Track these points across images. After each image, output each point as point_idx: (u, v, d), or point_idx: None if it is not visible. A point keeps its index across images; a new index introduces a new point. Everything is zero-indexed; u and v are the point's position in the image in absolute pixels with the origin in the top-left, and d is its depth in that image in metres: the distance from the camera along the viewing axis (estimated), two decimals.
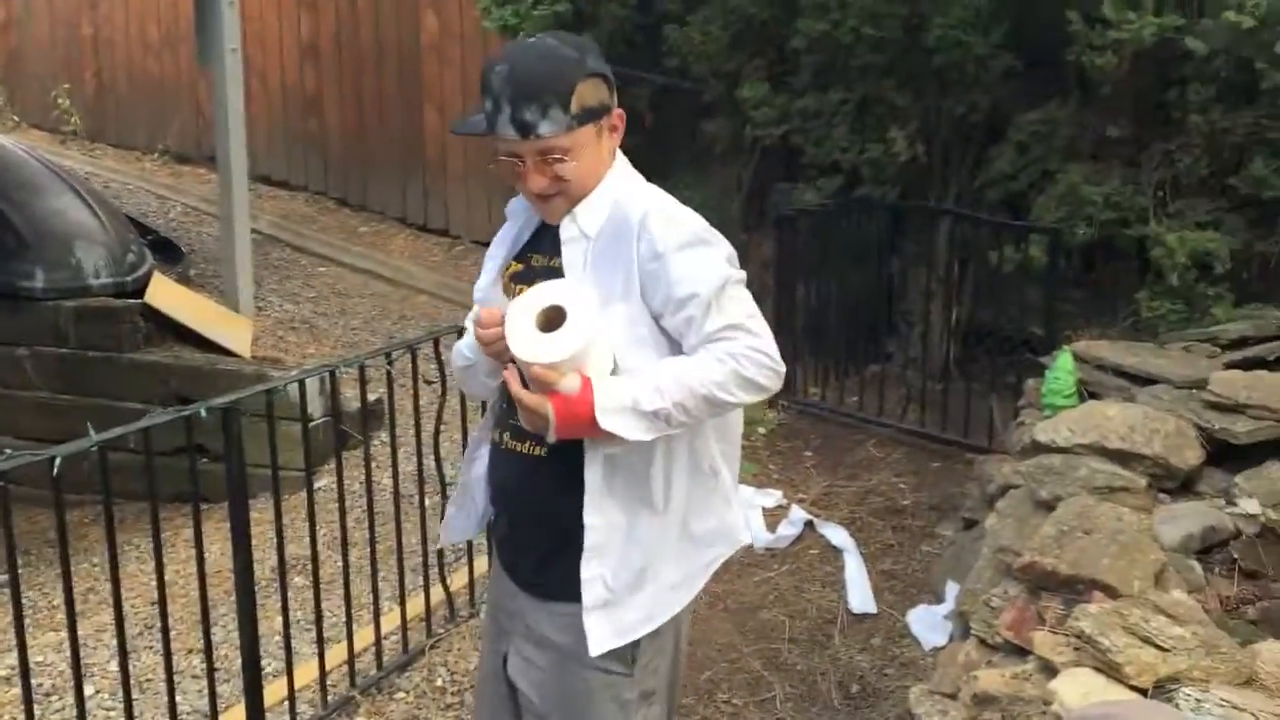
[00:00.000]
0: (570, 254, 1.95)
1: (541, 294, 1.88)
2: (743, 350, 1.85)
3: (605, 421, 1.81)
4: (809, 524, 4.51)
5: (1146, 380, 3.75)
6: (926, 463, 5.08)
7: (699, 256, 1.89)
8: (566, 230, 1.96)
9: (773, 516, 4.59)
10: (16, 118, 10.07)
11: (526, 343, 1.84)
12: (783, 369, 1.91)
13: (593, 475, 1.92)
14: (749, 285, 1.97)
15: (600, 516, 1.94)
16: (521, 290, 1.94)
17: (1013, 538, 3.05)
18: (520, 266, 2.05)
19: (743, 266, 1.98)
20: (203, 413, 2.86)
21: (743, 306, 1.90)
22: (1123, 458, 3.19)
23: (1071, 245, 5.21)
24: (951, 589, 3.76)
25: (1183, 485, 3.22)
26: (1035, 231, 5.19)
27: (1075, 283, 5.59)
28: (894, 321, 6.16)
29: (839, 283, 5.89)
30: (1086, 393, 3.85)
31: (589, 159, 1.92)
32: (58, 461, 2.52)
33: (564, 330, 1.83)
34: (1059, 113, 5.42)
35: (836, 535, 4.40)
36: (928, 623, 3.83)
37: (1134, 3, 4.87)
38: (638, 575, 1.96)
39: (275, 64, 8.81)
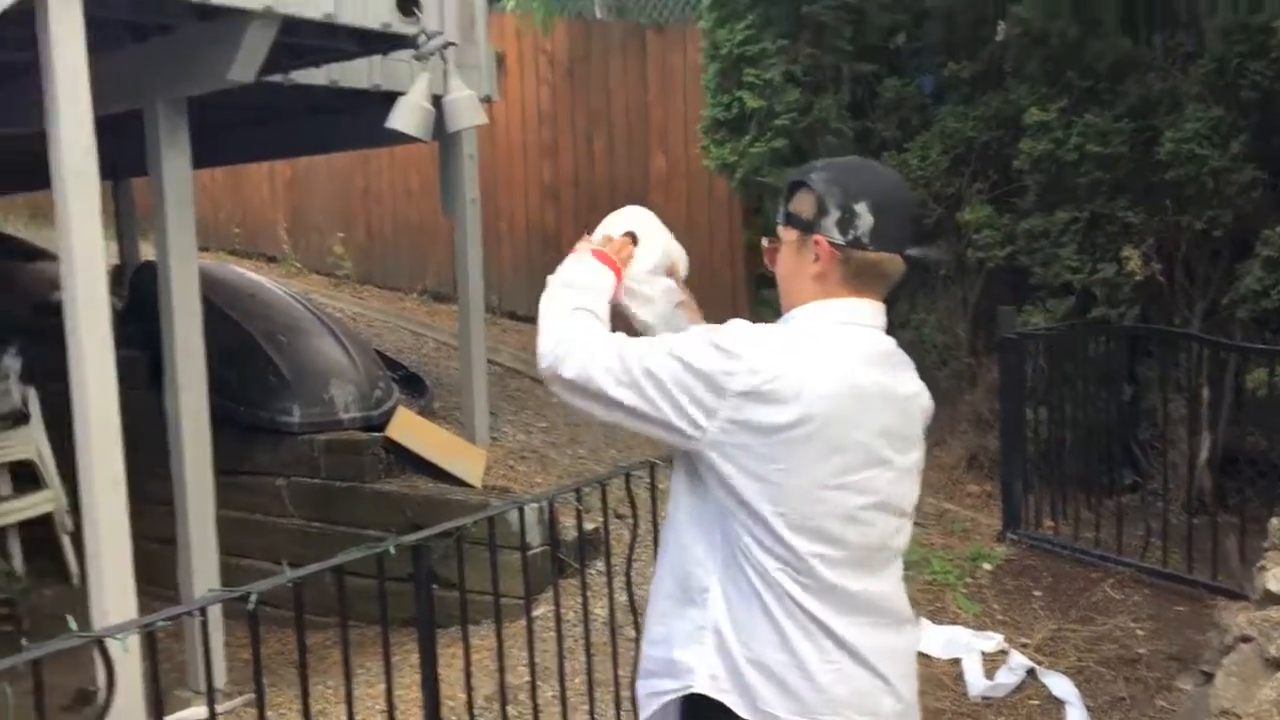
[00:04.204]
0: None
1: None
2: (600, 346, 1.99)
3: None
4: (1031, 671, 4.21)
5: None
6: (1169, 606, 4.67)
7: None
8: None
9: (991, 662, 4.32)
10: (299, 264, 11.10)
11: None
12: (548, 367, 2.02)
13: None
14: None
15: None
16: None
17: (1235, 699, 2.76)
18: None
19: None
20: (391, 550, 2.99)
21: (639, 349, 1.95)
22: None
23: None
24: None
25: None
26: None
27: None
28: (1134, 450, 5.76)
29: (1073, 408, 5.58)
30: None
31: (788, 265, 2.00)
32: (253, 598, 2.69)
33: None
34: None
35: (1060, 685, 4.08)
36: None
37: None
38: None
39: (521, 206, 9.37)
